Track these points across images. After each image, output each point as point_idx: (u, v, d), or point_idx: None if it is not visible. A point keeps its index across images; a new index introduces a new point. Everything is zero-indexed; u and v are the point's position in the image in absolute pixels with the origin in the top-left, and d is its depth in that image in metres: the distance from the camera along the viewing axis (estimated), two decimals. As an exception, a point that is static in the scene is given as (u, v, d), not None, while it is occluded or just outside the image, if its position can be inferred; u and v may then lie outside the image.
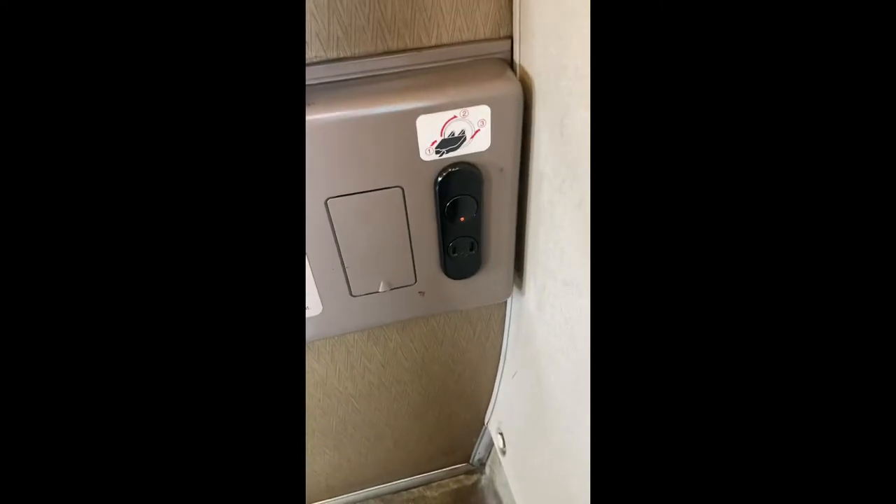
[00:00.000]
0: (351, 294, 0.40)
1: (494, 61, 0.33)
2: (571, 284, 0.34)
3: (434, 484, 0.79)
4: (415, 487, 0.79)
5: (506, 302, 0.51)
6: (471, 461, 0.78)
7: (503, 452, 0.66)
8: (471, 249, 0.39)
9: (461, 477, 0.80)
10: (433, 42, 0.32)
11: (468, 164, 0.34)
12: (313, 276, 0.38)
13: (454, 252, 0.39)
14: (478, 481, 0.79)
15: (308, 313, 0.40)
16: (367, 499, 0.77)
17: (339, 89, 0.32)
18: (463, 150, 0.34)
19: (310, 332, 0.42)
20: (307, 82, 0.32)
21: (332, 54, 0.31)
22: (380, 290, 0.40)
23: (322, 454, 0.66)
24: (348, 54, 0.32)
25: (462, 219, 0.37)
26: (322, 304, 0.40)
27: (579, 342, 0.35)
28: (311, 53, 0.31)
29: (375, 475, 0.75)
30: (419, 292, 0.41)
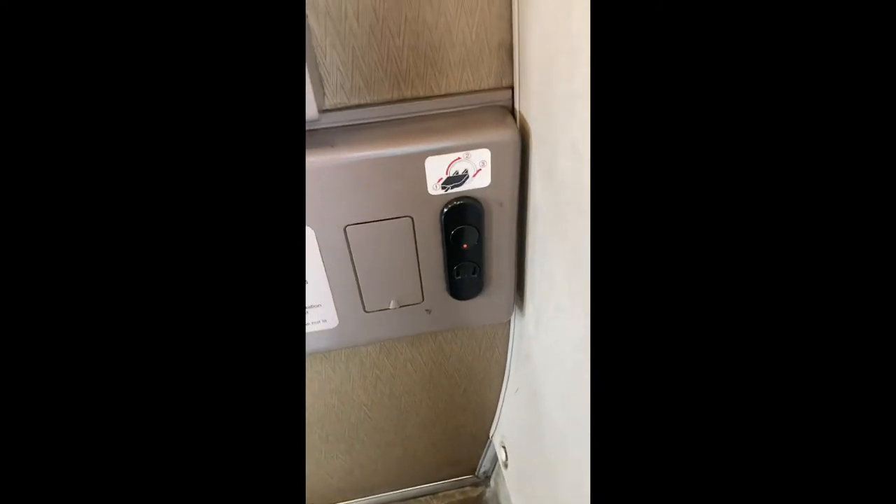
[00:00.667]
0: (364, 310, 0.44)
1: (497, 108, 0.38)
2: (560, 309, 0.38)
3: (440, 494, 0.82)
4: (422, 496, 0.82)
5: (510, 322, 0.55)
6: (476, 473, 0.81)
7: (505, 465, 0.69)
8: (473, 273, 0.43)
9: (467, 489, 0.82)
10: (442, 91, 0.37)
11: (471, 198, 0.38)
12: (331, 292, 0.42)
13: (458, 275, 0.43)
14: (482, 494, 0.82)
15: (325, 326, 0.44)
16: (375, 505, 0.81)
17: (360, 132, 0.36)
18: (466, 187, 0.38)
19: (327, 342, 0.46)
20: (332, 125, 0.36)
21: (354, 101, 0.36)
22: (390, 307, 0.44)
23: (335, 458, 0.70)
24: (368, 101, 0.36)
25: (465, 246, 0.41)
26: (338, 318, 0.44)
27: (567, 362, 0.39)
28: (336, 100, 0.36)
29: (385, 482, 0.78)
30: (426, 310, 0.45)
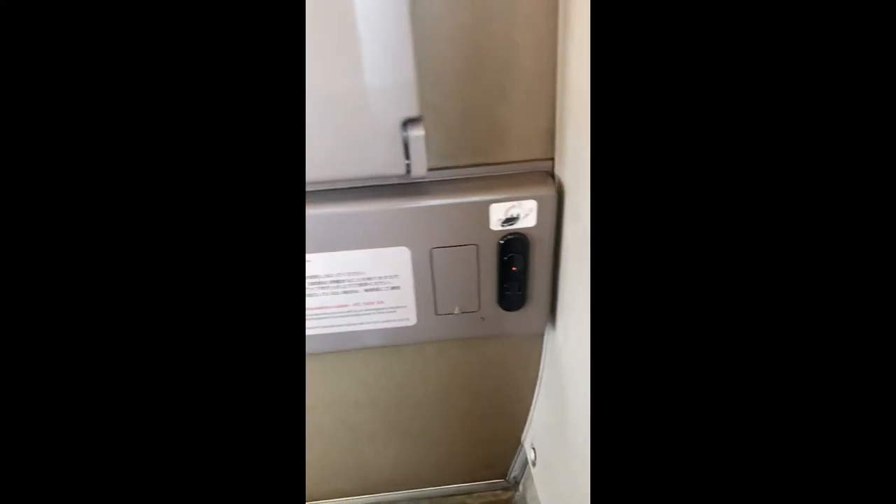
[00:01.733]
0: (436, 313, 0.60)
1: (542, 173, 0.54)
2: (580, 321, 0.52)
3: (476, 494, 0.94)
4: (459, 495, 0.94)
5: (544, 336, 0.69)
6: (507, 478, 0.93)
7: (534, 464, 0.81)
8: (518, 290, 0.58)
9: (499, 492, 0.94)
10: (505, 160, 0.54)
11: (520, 234, 0.54)
12: (415, 297, 0.58)
13: (507, 291, 0.58)
14: (511, 497, 0.94)
15: (407, 323, 0.60)
16: (419, 498, 0.93)
17: (446, 185, 0.53)
18: (518, 226, 0.54)
19: (406, 337, 0.62)
20: (430, 180, 0.53)
21: (446, 164, 0.53)
22: (455, 311, 0.60)
23: (390, 446, 0.83)
24: (453, 164, 0.54)
25: (514, 269, 0.56)
26: (417, 318, 0.60)
27: (583, 368, 0.53)
28: (434, 163, 0.53)
29: (427, 477, 0.91)
30: (481, 317, 0.61)
